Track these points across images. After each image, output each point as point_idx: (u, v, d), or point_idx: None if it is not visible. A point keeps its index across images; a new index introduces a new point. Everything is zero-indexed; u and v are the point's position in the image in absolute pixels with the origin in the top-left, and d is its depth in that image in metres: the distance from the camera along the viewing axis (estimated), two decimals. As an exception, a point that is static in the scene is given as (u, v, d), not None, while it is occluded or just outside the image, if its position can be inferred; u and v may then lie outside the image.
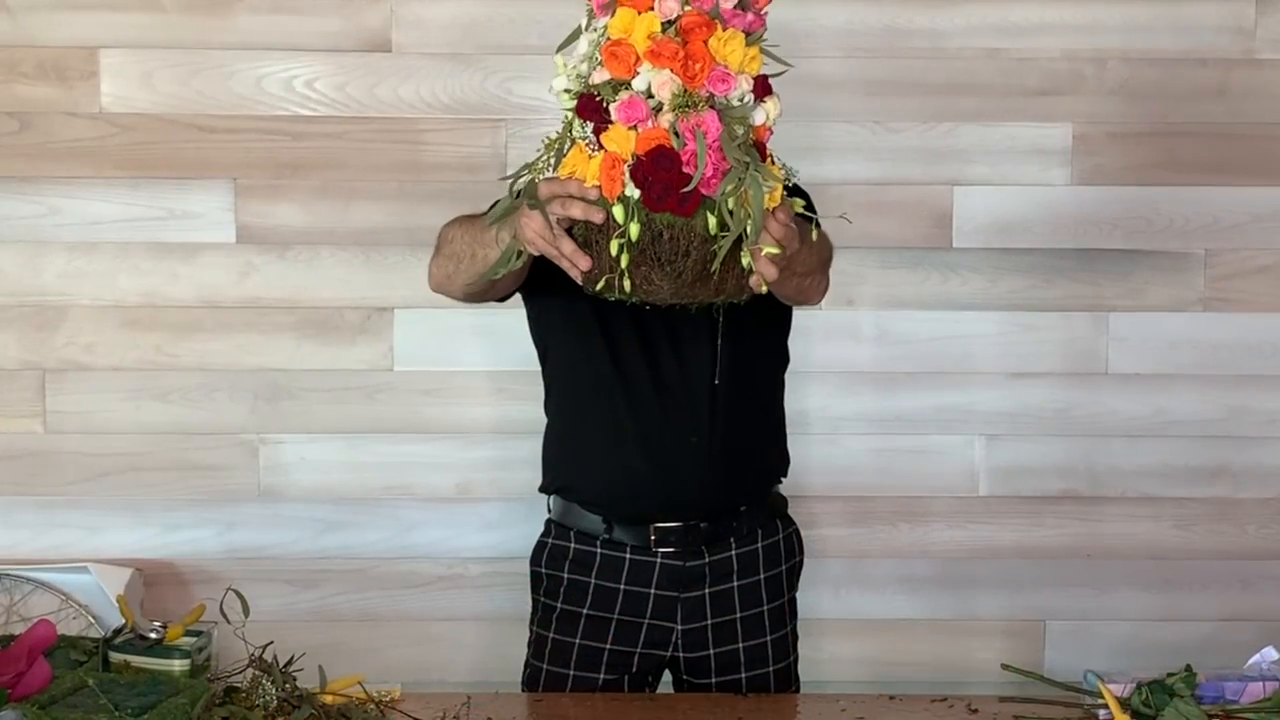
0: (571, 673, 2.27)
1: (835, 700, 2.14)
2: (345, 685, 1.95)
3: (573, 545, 2.30)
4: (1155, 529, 3.01)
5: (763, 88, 1.77)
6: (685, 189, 1.65)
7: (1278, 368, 2.99)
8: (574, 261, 1.77)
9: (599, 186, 1.70)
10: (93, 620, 2.70)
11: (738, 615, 2.29)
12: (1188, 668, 1.96)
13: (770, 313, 2.19)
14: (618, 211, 1.69)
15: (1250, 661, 2.03)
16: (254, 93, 2.91)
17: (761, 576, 2.31)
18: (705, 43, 1.70)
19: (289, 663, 1.93)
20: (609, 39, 1.71)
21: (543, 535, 2.36)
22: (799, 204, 1.80)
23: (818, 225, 1.94)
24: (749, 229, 1.68)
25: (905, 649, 3.02)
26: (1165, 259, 2.97)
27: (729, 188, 1.67)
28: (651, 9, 1.71)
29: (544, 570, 2.33)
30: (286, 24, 2.91)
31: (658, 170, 1.66)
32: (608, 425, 2.22)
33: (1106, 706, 1.90)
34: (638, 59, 1.70)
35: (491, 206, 1.88)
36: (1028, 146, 2.95)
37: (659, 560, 2.25)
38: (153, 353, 2.95)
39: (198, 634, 2.00)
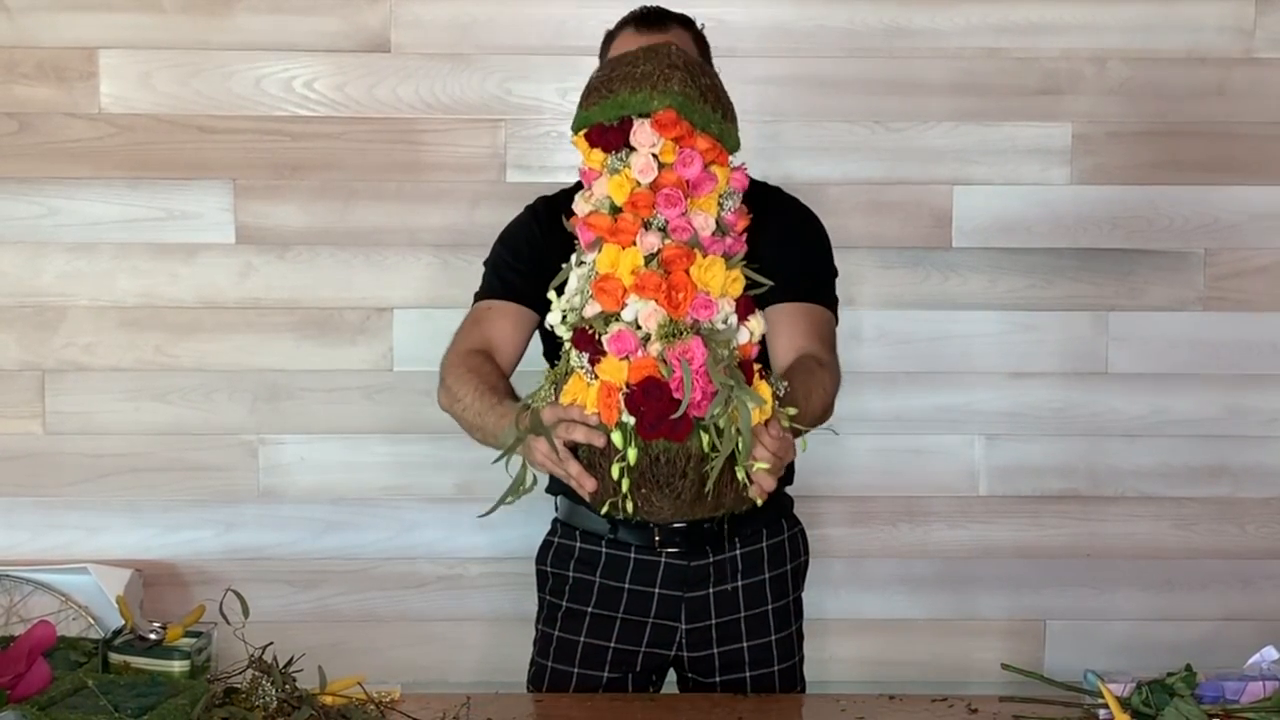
0: (576, 670, 2.29)
1: (835, 700, 2.14)
2: (345, 685, 1.95)
3: (578, 545, 2.31)
4: (1155, 529, 3.01)
5: (745, 307, 1.85)
6: (675, 416, 1.74)
7: (1278, 367, 2.99)
8: (580, 482, 1.86)
9: (598, 413, 1.79)
10: (92, 621, 2.70)
11: (741, 614, 2.29)
12: (1188, 667, 1.96)
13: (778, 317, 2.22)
14: (616, 437, 1.78)
15: (1250, 661, 2.03)
16: (253, 93, 2.91)
17: (766, 576, 2.31)
18: (687, 271, 1.80)
19: (289, 663, 1.93)
20: (597, 274, 1.82)
21: (549, 534, 2.37)
22: (789, 414, 1.86)
23: (831, 350, 2.13)
24: (739, 447, 1.76)
25: (905, 649, 3.02)
26: (1165, 259, 2.97)
27: (717, 410, 1.75)
28: (634, 244, 1.81)
29: (549, 569, 2.35)
30: (286, 24, 2.91)
31: (649, 400, 1.75)
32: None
33: (1106, 706, 1.90)
34: (625, 291, 1.80)
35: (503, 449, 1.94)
36: (1028, 146, 2.95)
37: (663, 560, 2.26)
38: (152, 353, 2.95)
39: (197, 635, 2.00)
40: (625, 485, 1.81)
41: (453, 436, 2.93)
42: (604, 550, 2.29)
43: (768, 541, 2.32)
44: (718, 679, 2.30)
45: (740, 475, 1.81)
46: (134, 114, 2.91)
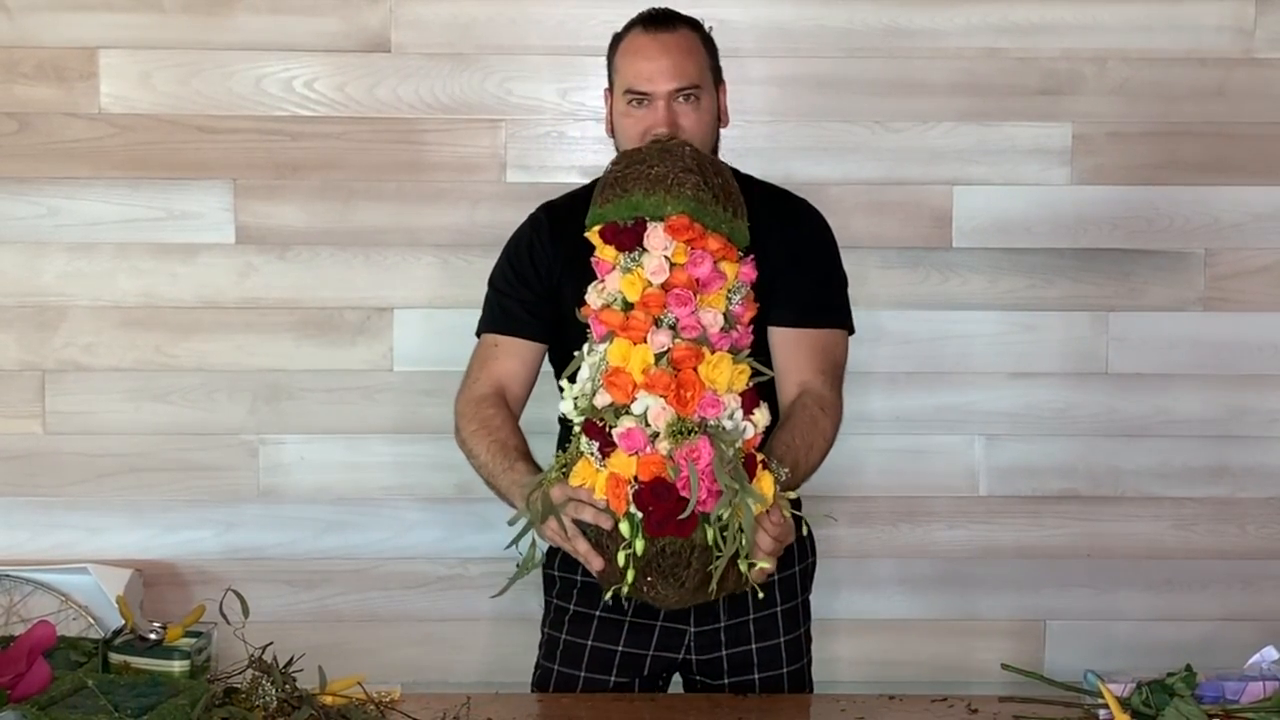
0: (583, 674, 2.29)
1: (835, 700, 2.14)
2: (345, 685, 1.95)
3: None
4: (1155, 529, 3.01)
5: (750, 401, 1.93)
6: (682, 516, 1.82)
7: (1278, 368, 2.99)
8: (588, 560, 1.95)
9: (606, 499, 1.88)
10: (92, 621, 2.70)
11: (750, 617, 2.30)
12: (1188, 667, 1.96)
13: (785, 325, 2.26)
14: (624, 527, 1.87)
15: (1250, 661, 2.03)
16: (253, 93, 2.91)
17: (775, 578, 2.30)
18: (695, 369, 1.88)
19: (289, 663, 1.93)
20: (608, 366, 1.91)
21: None
22: (789, 500, 1.95)
23: (837, 380, 2.26)
24: (742, 545, 1.84)
25: (905, 649, 3.02)
26: (1165, 259, 2.97)
27: (722, 510, 1.83)
28: (645, 341, 1.90)
29: (557, 573, 2.35)
30: (286, 24, 2.91)
31: (657, 500, 1.83)
32: None
33: (1106, 706, 1.90)
34: (635, 386, 1.88)
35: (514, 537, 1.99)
36: (1028, 146, 2.94)
37: None
38: (152, 353, 2.95)
39: (197, 635, 2.00)
40: (630, 575, 1.89)
41: (452, 436, 2.95)
42: None
43: None
44: (726, 681, 2.30)
45: (743, 566, 1.89)
46: (134, 114, 2.91)
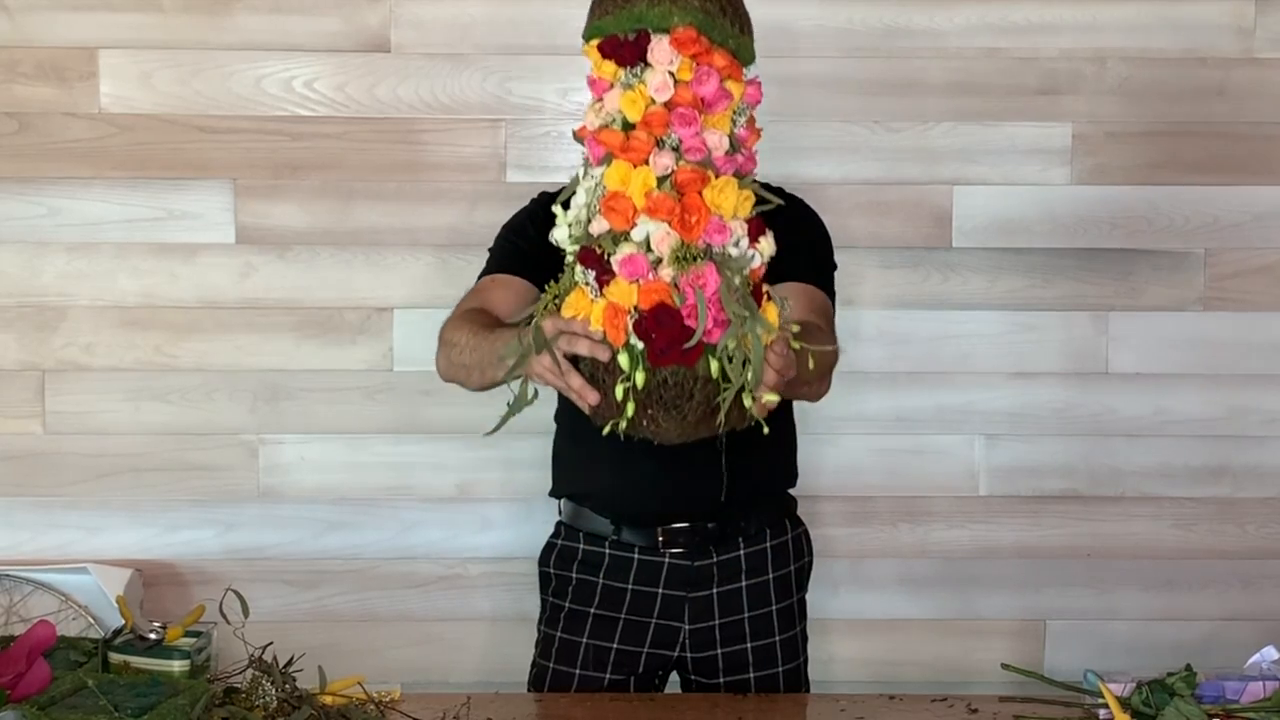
0: (578, 672, 2.29)
1: (835, 700, 2.14)
2: (345, 685, 1.95)
3: (582, 546, 2.32)
4: (1155, 529, 3.01)
5: (756, 228, 1.82)
6: (688, 344, 1.71)
7: (1278, 368, 2.99)
8: (582, 395, 1.82)
9: (603, 332, 1.76)
10: (92, 621, 2.69)
11: (745, 615, 2.29)
12: (1188, 667, 1.96)
13: None
14: (623, 359, 1.75)
15: (1250, 661, 2.03)
16: (253, 93, 2.91)
17: (770, 576, 2.31)
18: (700, 194, 1.76)
19: (289, 663, 1.93)
20: (605, 190, 1.78)
21: (552, 537, 2.38)
22: (795, 330, 1.83)
23: (827, 264, 2.15)
24: (749, 377, 1.74)
25: (905, 649, 3.01)
26: (1165, 259, 2.97)
27: (729, 341, 1.73)
28: (647, 164, 1.77)
29: (552, 570, 2.35)
30: (286, 24, 2.90)
31: (660, 327, 1.72)
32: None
33: (1106, 706, 1.90)
34: (635, 212, 1.76)
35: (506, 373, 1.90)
36: (1028, 146, 2.94)
37: (667, 560, 2.26)
38: (152, 353, 2.95)
39: (197, 634, 2.00)
40: (630, 408, 1.77)
41: (453, 436, 2.97)
42: (607, 551, 2.29)
43: (771, 542, 2.32)
44: (721, 680, 2.30)
45: (747, 400, 1.78)
46: (134, 114, 2.91)
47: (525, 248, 2.24)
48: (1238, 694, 1.95)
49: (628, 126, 1.81)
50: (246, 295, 2.95)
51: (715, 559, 2.28)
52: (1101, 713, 1.93)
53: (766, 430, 1.88)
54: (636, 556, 2.27)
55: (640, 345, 1.74)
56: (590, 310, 1.77)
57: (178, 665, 1.94)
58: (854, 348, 2.97)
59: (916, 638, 3.02)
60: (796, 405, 2.41)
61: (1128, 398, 2.99)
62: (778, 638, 2.32)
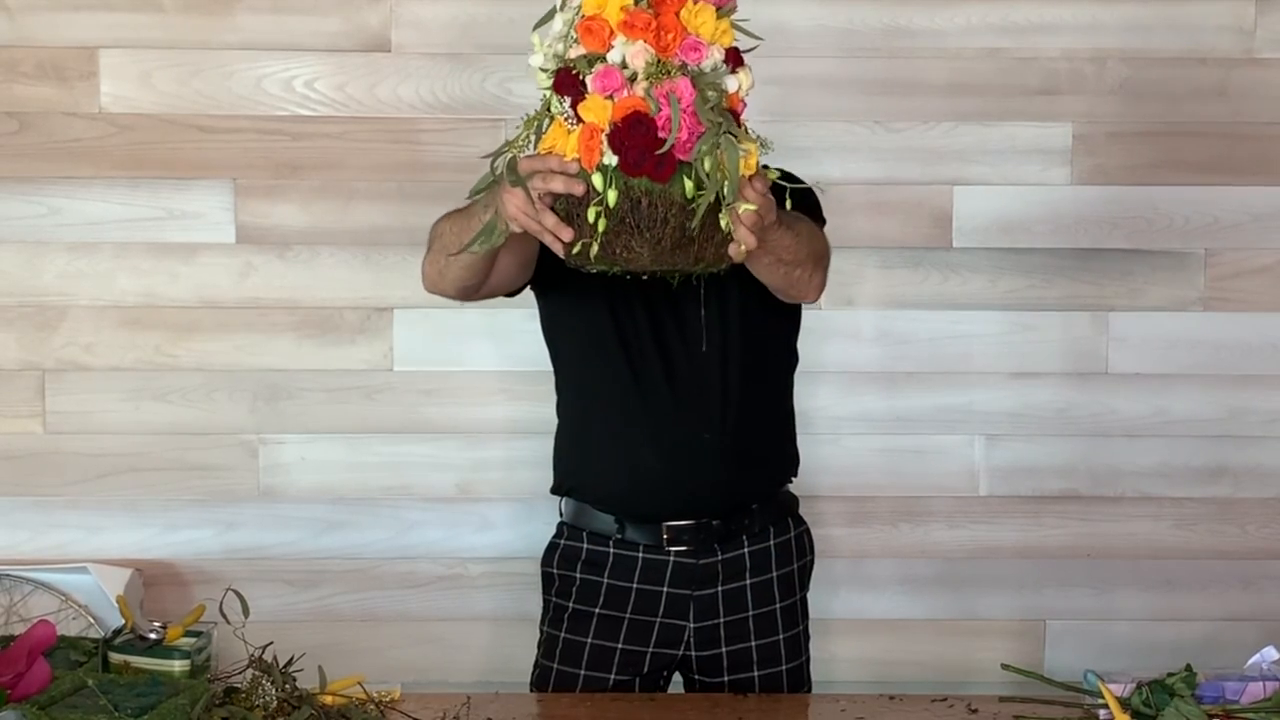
0: (583, 672, 2.28)
1: (835, 700, 2.14)
2: (345, 685, 1.95)
3: (585, 546, 2.31)
4: (1155, 529, 3.01)
5: (735, 59, 1.82)
6: (660, 152, 1.70)
7: (1278, 368, 2.99)
8: (556, 234, 1.79)
9: (578, 160, 1.74)
10: (93, 621, 2.70)
11: (750, 613, 2.30)
12: (1188, 668, 1.96)
13: (780, 310, 2.22)
14: (596, 179, 1.73)
15: (1250, 661, 2.03)
16: (254, 93, 2.91)
17: (774, 574, 2.31)
18: (677, 14, 1.76)
19: (289, 663, 1.93)
20: (584, 15, 1.77)
21: (554, 537, 2.36)
22: (775, 173, 1.82)
23: (815, 210, 2.05)
24: (725, 189, 1.71)
25: (905, 649, 3.02)
26: (1165, 259, 2.97)
27: (704, 148, 1.70)
28: None
29: (555, 571, 2.34)
30: (286, 24, 2.91)
31: (633, 135, 1.70)
32: (620, 424, 2.23)
33: (1106, 706, 1.90)
34: (612, 32, 1.75)
35: (475, 192, 1.90)
36: (1028, 146, 2.94)
37: (671, 559, 2.26)
38: (152, 353, 2.95)
39: (198, 634, 2.00)
40: (602, 226, 1.75)
41: (453, 436, 2.97)
42: (611, 550, 2.28)
43: (775, 540, 2.33)
44: (725, 678, 2.30)
45: (724, 224, 1.76)
46: (134, 114, 2.91)
47: None
48: (1238, 694, 1.95)
49: None
50: (246, 295, 2.95)
51: (720, 557, 2.27)
52: (1101, 713, 1.93)
53: (744, 255, 1.81)
54: (641, 555, 2.27)
55: (614, 163, 1.72)
56: (566, 143, 1.76)
57: (178, 665, 1.94)
58: (854, 348, 2.97)
59: (916, 638, 3.02)
60: (798, 405, 2.41)
61: (1128, 398, 2.99)
62: (781, 636, 2.32)
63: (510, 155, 1.81)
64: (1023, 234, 2.96)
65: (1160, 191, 2.96)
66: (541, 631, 2.36)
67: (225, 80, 2.91)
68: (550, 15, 1.84)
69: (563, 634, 2.30)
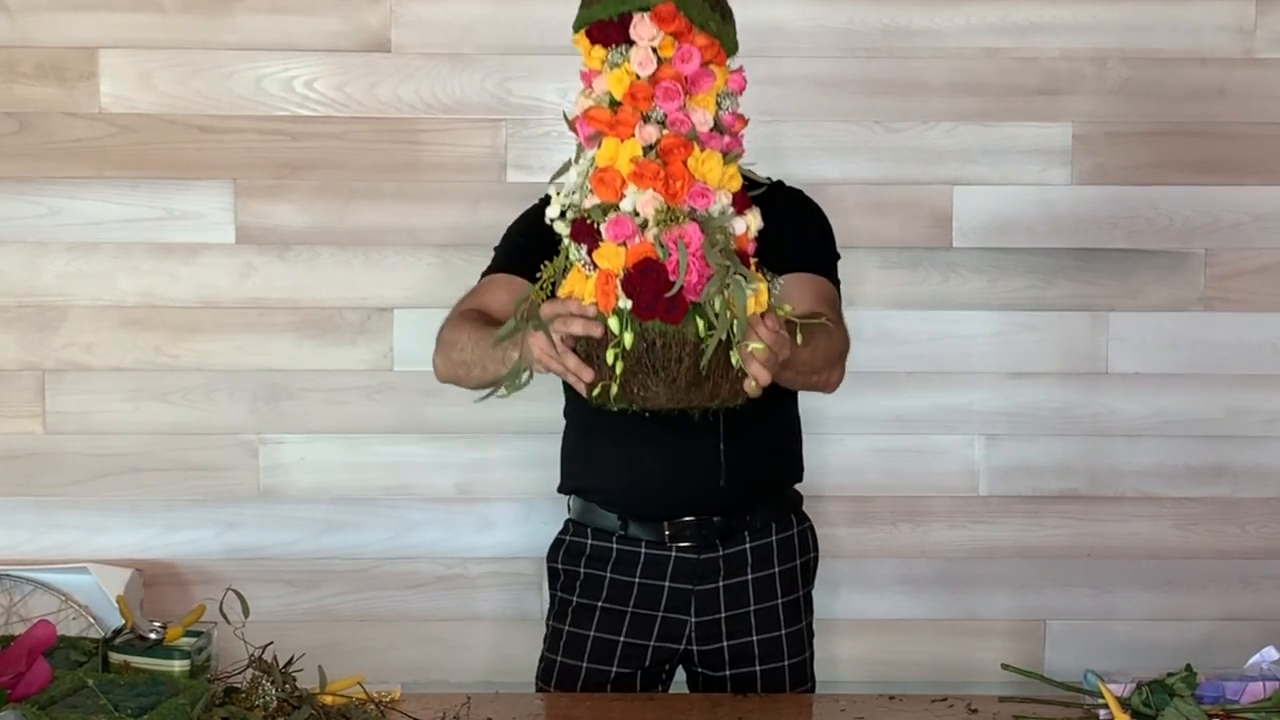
0: (585, 665, 2.31)
1: (835, 700, 2.14)
2: (345, 685, 1.95)
3: (590, 542, 2.34)
4: (1155, 529, 3.01)
5: (742, 202, 1.88)
6: (670, 294, 1.77)
7: (1278, 368, 2.99)
8: (578, 375, 1.87)
9: (596, 304, 1.82)
10: (93, 621, 2.70)
11: (751, 608, 2.31)
12: (1188, 668, 1.96)
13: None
14: (613, 323, 1.81)
15: (1250, 661, 2.03)
16: (254, 93, 2.91)
17: (776, 570, 2.33)
18: (684, 162, 1.82)
19: (289, 663, 1.93)
20: (597, 167, 1.84)
21: (560, 533, 2.40)
22: (785, 309, 1.88)
23: (829, 257, 2.19)
24: (734, 328, 1.78)
25: (905, 649, 3.02)
26: (1165, 259, 2.97)
27: (712, 290, 1.78)
28: (633, 136, 1.83)
29: (560, 566, 2.38)
30: (286, 24, 2.91)
31: (645, 280, 1.78)
32: (625, 426, 2.23)
33: (1106, 706, 1.90)
34: (623, 182, 1.82)
35: (501, 339, 1.96)
36: (1028, 146, 2.95)
37: (674, 554, 2.29)
38: (152, 353, 2.95)
39: (198, 634, 2.00)
40: (620, 368, 1.82)
41: (453, 436, 2.97)
42: (615, 546, 2.31)
43: (777, 536, 2.34)
44: (727, 672, 2.31)
45: (735, 362, 1.82)
46: (134, 114, 2.91)
47: (524, 244, 2.24)
48: (1238, 694, 1.95)
49: (615, 105, 1.87)
50: (246, 295, 2.95)
51: (721, 552, 2.29)
52: (1101, 713, 1.93)
53: (753, 391, 1.87)
54: (643, 551, 2.29)
55: (628, 306, 1.79)
56: (584, 288, 1.83)
57: (178, 665, 1.94)
58: (854, 348, 2.95)
59: (916, 638, 3.02)
60: (800, 403, 2.41)
61: (1128, 398, 2.99)
62: (783, 631, 2.34)
63: (533, 301, 1.89)
64: (1023, 234, 2.96)
65: (1160, 191, 2.96)
66: (547, 625, 2.39)
67: (225, 80, 2.91)
68: (566, 167, 1.91)
69: (566, 627, 2.33)
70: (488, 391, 2.00)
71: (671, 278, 1.77)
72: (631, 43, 1.86)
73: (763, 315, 1.83)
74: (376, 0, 2.90)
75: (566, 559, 2.36)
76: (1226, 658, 2.18)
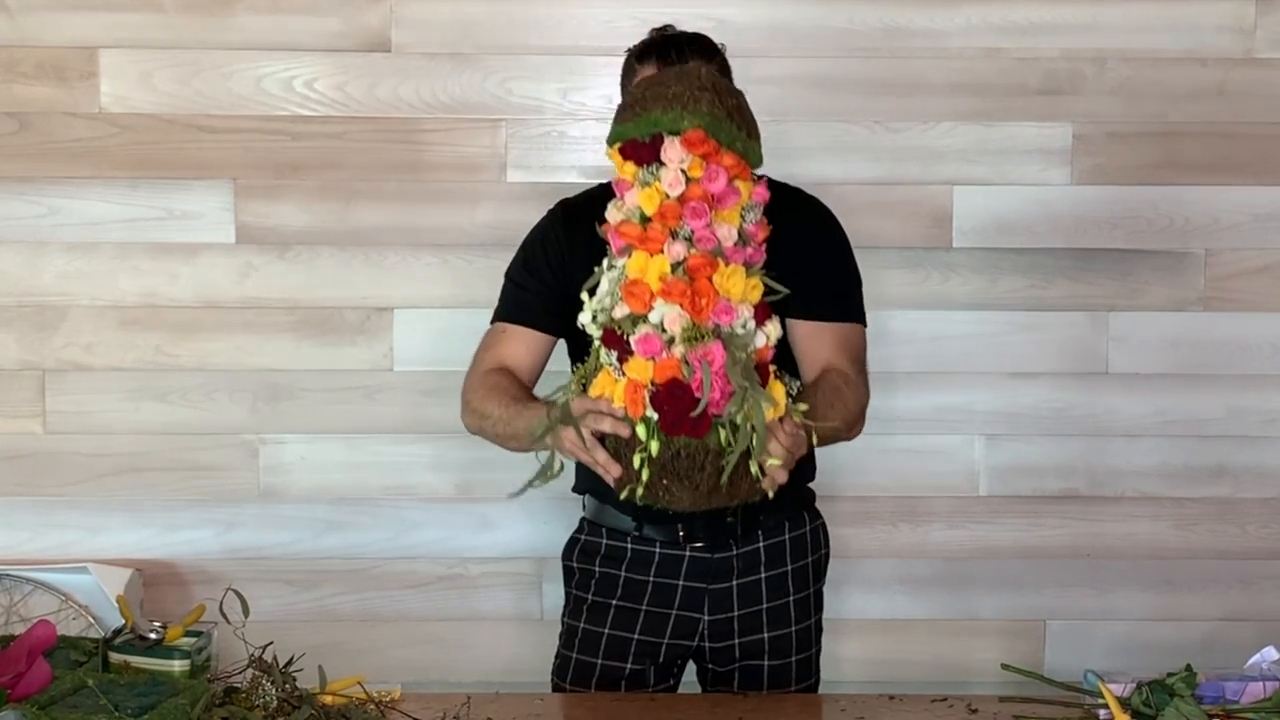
0: (600, 661, 2.35)
1: (835, 700, 2.14)
2: (345, 685, 1.95)
3: (605, 541, 2.38)
4: (1155, 529, 3.01)
5: (763, 313, 1.99)
6: (695, 414, 1.88)
7: (1278, 368, 2.99)
8: (606, 469, 1.98)
9: (624, 407, 1.92)
10: (93, 620, 2.70)
11: (764, 605, 2.36)
12: (1188, 668, 1.96)
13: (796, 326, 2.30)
14: (640, 430, 1.92)
15: (1250, 661, 2.03)
16: (254, 93, 2.91)
17: (789, 568, 2.37)
18: (710, 279, 1.94)
19: (289, 663, 1.93)
20: (627, 278, 1.96)
21: (575, 532, 2.44)
22: (801, 410, 1.99)
23: (861, 366, 2.32)
24: (754, 443, 1.89)
25: (905, 649, 3.02)
26: (1165, 259, 2.97)
27: (734, 408, 1.88)
28: (662, 252, 1.94)
29: (575, 564, 2.42)
30: (286, 24, 2.91)
31: (672, 400, 1.89)
32: None
33: (1106, 706, 1.90)
34: (652, 296, 1.93)
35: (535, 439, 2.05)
36: (1028, 146, 2.95)
37: (688, 553, 2.33)
38: (152, 353, 2.95)
39: (198, 634, 2.00)
40: (646, 475, 1.92)
41: (453, 436, 2.95)
42: (630, 546, 2.36)
43: (790, 534, 2.38)
44: (736, 666, 2.36)
45: (754, 469, 1.92)
46: (134, 114, 2.91)
47: (538, 289, 2.35)
48: (1238, 694, 1.95)
49: (645, 220, 1.98)
50: (246, 295, 2.95)
51: (735, 551, 2.33)
52: (1101, 713, 1.93)
53: (771, 495, 2.00)
54: (658, 550, 2.34)
55: (655, 417, 1.90)
56: (614, 390, 1.94)
57: (178, 665, 1.94)
58: (854, 348, 2.97)
59: (916, 638, 3.02)
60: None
61: (1128, 398, 2.99)
62: (794, 628, 2.37)
63: (565, 399, 1.99)
64: (1022, 234, 2.96)
65: (1160, 191, 2.96)
66: (562, 623, 2.44)
67: (225, 80, 2.91)
68: (597, 277, 2.01)
69: (581, 624, 2.38)
70: (523, 487, 2.07)
71: (696, 395, 1.88)
72: (662, 163, 1.98)
73: (780, 419, 1.94)
74: (376, 0, 2.90)
75: (581, 557, 2.40)
76: (1226, 658, 2.18)
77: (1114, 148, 2.95)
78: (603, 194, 2.28)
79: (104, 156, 2.91)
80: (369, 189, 2.94)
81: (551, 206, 2.44)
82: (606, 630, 2.35)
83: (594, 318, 2.00)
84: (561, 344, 2.38)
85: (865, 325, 2.40)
